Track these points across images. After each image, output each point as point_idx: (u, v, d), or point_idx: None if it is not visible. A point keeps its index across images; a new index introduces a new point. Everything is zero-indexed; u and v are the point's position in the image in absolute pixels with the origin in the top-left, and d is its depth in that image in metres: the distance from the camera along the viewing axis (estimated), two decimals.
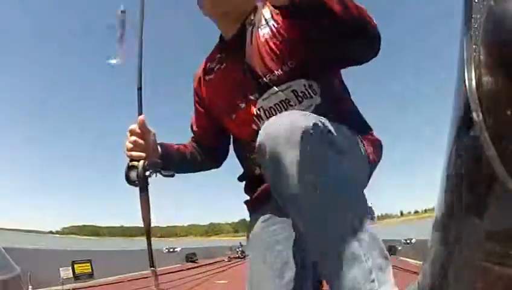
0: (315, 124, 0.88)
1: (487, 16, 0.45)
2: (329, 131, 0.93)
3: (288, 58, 1.19)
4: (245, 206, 1.52)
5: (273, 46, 1.21)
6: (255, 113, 1.28)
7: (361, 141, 1.26)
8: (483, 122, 0.42)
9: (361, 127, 1.34)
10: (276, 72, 1.20)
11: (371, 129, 1.39)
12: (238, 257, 3.98)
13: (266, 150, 0.88)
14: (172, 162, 1.40)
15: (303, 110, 1.18)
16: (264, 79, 1.22)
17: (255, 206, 1.45)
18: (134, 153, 1.26)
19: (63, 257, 3.18)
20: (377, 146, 1.35)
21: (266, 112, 1.25)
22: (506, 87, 0.41)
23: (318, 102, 1.22)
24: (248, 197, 1.49)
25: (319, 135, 0.88)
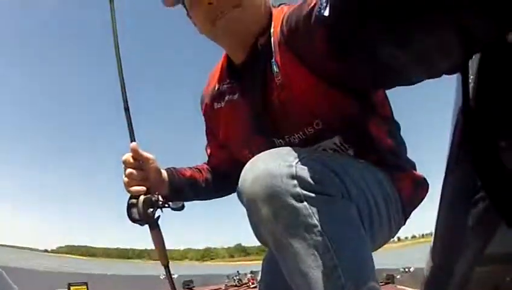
0: (294, 175, 0.75)
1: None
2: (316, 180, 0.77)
3: (313, 116, 0.99)
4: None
5: (290, 97, 0.99)
6: None
7: (393, 179, 1.04)
8: (479, 149, 0.43)
9: (399, 164, 1.12)
10: (298, 134, 1.02)
11: (411, 165, 1.18)
12: (235, 286, 3.92)
13: (244, 200, 0.80)
14: (182, 191, 1.24)
15: None
16: (283, 141, 1.06)
17: None
18: (133, 189, 1.09)
19: (60, 278, 3.14)
20: (418, 183, 1.14)
21: None
22: (502, 115, 0.42)
23: (351, 154, 1.04)
24: None
25: (296, 188, 0.75)
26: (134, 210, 1.06)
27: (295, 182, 0.74)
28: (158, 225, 1.13)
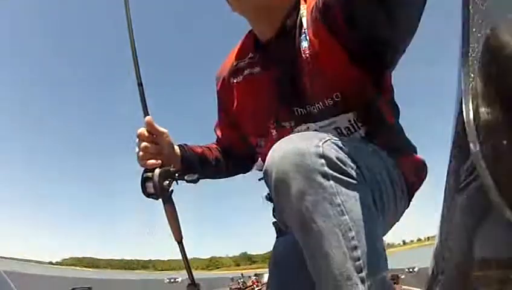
0: (324, 155, 0.78)
1: (484, 46, 0.45)
2: (342, 160, 0.81)
3: (334, 88, 1.03)
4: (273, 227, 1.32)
5: (317, 69, 1.03)
6: None
7: (398, 164, 1.09)
8: (480, 152, 0.43)
9: (402, 148, 1.19)
10: (318, 104, 1.05)
11: (413, 149, 1.23)
12: (240, 288, 3.89)
13: (272, 177, 0.81)
14: (194, 167, 1.24)
15: None
16: (304, 110, 1.08)
17: (281, 229, 1.28)
18: (148, 162, 1.10)
19: (63, 284, 3.14)
20: (420, 167, 1.20)
21: None
22: (503, 118, 0.42)
23: (362, 134, 1.08)
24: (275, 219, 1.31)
25: (329, 166, 0.78)
26: (150, 184, 1.06)
27: (323, 161, 0.78)
28: (172, 199, 1.13)
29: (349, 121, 1.05)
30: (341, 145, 0.84)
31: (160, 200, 1.10)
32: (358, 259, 0.77)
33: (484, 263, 0.48)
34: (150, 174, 1.06)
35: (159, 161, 1.10)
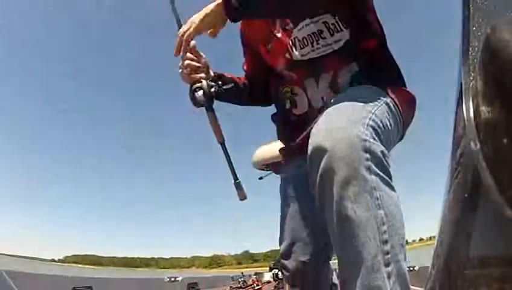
0: (368, 143, 0.88)
1: (484, 45, 0.45)
2: (381, 150, 0.92)
3: None
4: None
5: None
6: (289, 42, 1.33)
7: (393, 96, 1.18)
8: (481, 151, 0.43)
9: (393, 77, 1.32)
10: None
11: (403, 82, 1.35)
12: (240, 287, 3.89)
13: (320, 163, 0.90)
14: (226, 84, 1.46)
15: (334, 42, 1.26)
16: None
17: (288, 156, 1.58)
18: (195, 76, 1.33)
19: (64, 283, 3.14)
20: (411, 103, 1.31)
21: (299, 42, 1.31)
22: (503, 116, 0.42)
23: (347, 37, 1.25)
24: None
25: (372, 159, 0.89)
26: (199, 92, 1.28)
27: (368, 155, 0.87)
28: (213, 108, 1.35)
29: (335, 18, 1.24)
30: (379, 131, 0.96)
31: (204, 109, 1.32)
32: (388, 253, 0.86)
33: (485, 260, 0.48)
34: (198, 85, 1.29)
35: (203, 75, 1.34)
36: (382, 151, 0.91)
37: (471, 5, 0.48)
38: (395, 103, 1.17)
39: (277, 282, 3.54)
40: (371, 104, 1.04)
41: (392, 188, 0.92)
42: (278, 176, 2.69)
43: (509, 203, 0.38)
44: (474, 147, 0.43)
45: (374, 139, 0.91)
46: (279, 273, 3.75)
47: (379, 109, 1.06)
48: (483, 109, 0.44)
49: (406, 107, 1.23)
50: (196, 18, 1.22)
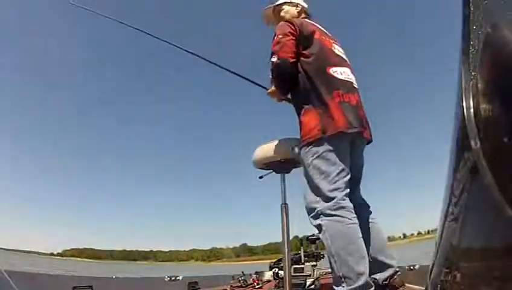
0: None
1: (485, 43, 0.45)
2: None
3: None
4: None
5: None
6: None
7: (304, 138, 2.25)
8: (481, 149, 0.43)
9: (319, 98, 2.20)
10: None
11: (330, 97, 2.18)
12: (241, 286, 3.92)
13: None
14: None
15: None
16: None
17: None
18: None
19: (64, 282, 3.15)
20: (332, 114, 2.15)
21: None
22: (503, 115, 0.42)
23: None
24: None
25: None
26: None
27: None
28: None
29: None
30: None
31: None
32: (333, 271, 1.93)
33: (487, 256, 0.48)
34: None
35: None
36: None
37: (471, 4, 0.48)
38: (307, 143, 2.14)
39: (277, 281, 3.56)
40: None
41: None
42: (278, 175, 2.72)
43: (510, 201, 0.38)
44: (475, 146, 0.43)
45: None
46: (280, 272, 3.74)
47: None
48: (484, 107, 0.44)
49: (326, 119, 2.15)
50: (272, 91, 2.48)
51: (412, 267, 3.54)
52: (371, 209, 2.35)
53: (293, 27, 2.30)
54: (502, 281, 0.44)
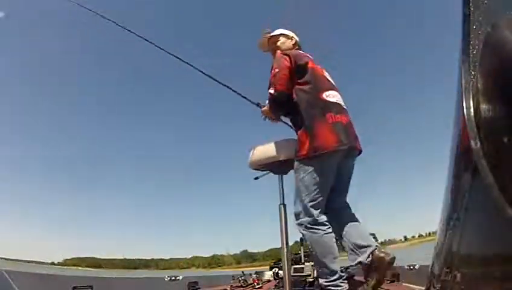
0: None
1: (485, 43, 0.45)
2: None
3: None
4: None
5: None
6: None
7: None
8: (481, 149, 0.42)
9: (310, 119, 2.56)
10: None
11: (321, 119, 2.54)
12: (241, 286, 3.91)
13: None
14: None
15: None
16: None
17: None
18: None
19: (64, 282, 3.14)
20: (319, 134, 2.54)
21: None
22: (503, 115, 0.42)
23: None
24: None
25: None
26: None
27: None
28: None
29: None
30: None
31: None
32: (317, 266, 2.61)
33: (486, 258, 0.48)
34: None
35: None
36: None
37: (471, 4, 0.48)
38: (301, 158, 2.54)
39: (277, 281, 3.56)
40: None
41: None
42: (276, 176, 2.73)
43: (510, 201, 0.38)
44: (475, 146, 0.43)
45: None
46: (280, 272, 3.74)
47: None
48: (484, 107, 0.44)
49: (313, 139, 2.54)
50: (266, 111, 2.85)
51: (412, 267, 3.54)
52: (351, 209, 2.81)
53: (288, 59, 2.70)
54: (501, 281, 0.44)
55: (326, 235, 2.53)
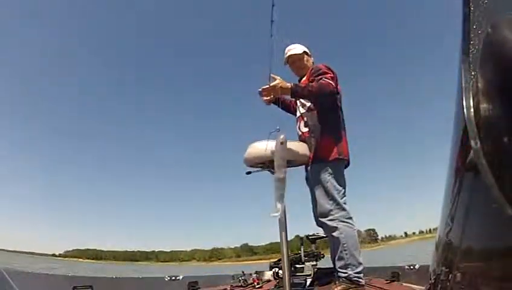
0: None
1: (485, 43, 0.45)
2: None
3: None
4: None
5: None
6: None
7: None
8: (481, 149, 0.42)
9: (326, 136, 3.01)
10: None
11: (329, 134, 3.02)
12: (241, 286, 3.91)
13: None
14: (283, 103, 3.46)
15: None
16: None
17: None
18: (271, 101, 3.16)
19: (64, 282, 3.14)
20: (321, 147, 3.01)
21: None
22: (503, 114, 0.41)
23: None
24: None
25: None
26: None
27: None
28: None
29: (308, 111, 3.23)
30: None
31: None
32: (342, 259, 2.81)
33: (487, 256, 0.48)
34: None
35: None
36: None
37: (471, 4, 0.48)
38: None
39: (277, 281, 3.56)
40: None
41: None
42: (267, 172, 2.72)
43: (510, 201, 0.38)
44: (475, 146, 0.43)
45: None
46: (280, 272, 3.74)
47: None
48: (484, 107, 0.44)
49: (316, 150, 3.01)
50: (280, 84, 2.80)
51: (412, 267, 3.53)
52: None
53: (332, 71, 3.07)
54: (502, 280, 0.44)
55: (355, 230, 2.89)
